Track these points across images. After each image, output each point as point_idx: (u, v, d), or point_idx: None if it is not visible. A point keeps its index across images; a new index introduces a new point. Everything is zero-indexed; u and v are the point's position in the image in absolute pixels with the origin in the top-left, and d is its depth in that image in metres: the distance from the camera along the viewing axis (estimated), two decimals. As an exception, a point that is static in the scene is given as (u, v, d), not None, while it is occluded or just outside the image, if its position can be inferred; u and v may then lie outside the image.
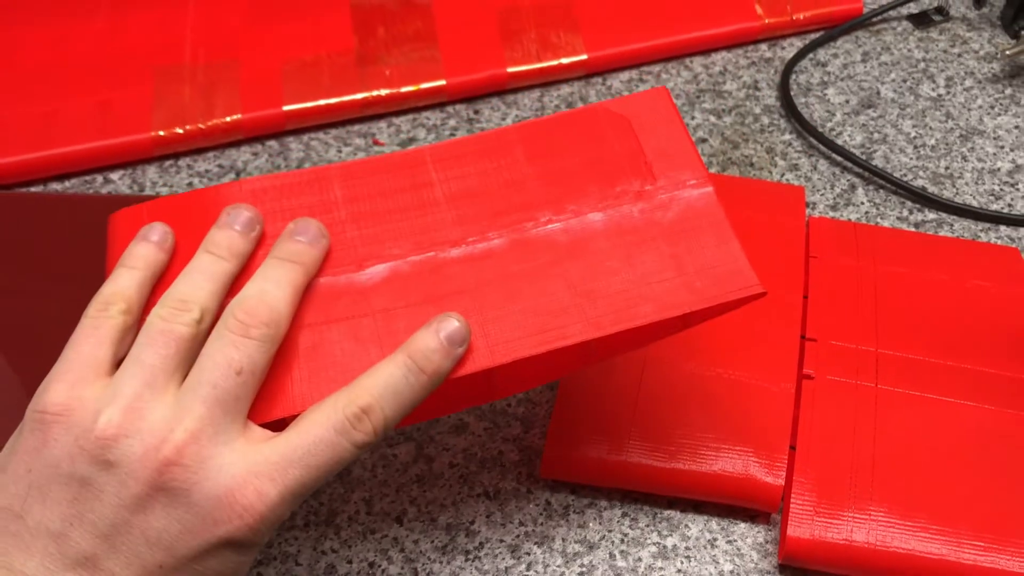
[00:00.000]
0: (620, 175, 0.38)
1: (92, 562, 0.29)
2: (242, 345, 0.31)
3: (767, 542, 0.43)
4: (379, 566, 0.41)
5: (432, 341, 0.33)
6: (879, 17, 0.68)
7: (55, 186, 0.57)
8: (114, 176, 0.58)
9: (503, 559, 0.42)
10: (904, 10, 0.69)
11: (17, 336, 0.48)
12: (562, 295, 0.35)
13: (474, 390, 0.40)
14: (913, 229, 0.55)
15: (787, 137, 0.60)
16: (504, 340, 0.34)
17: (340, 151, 0.59)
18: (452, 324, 0.33)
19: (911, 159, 0.59)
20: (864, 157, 0.59)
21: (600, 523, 0.43)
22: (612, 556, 0.42)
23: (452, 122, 0.61)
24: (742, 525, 0.43)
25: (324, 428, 0.31)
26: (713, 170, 0.58)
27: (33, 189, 0.57)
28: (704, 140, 0.60)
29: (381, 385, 0.32)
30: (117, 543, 0.29)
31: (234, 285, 0.34)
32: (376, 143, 0.60)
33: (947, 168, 0.59)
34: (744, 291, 0.37)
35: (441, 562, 0.42)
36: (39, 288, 0.50)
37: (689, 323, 0.38)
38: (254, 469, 0.30)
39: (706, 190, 0.38)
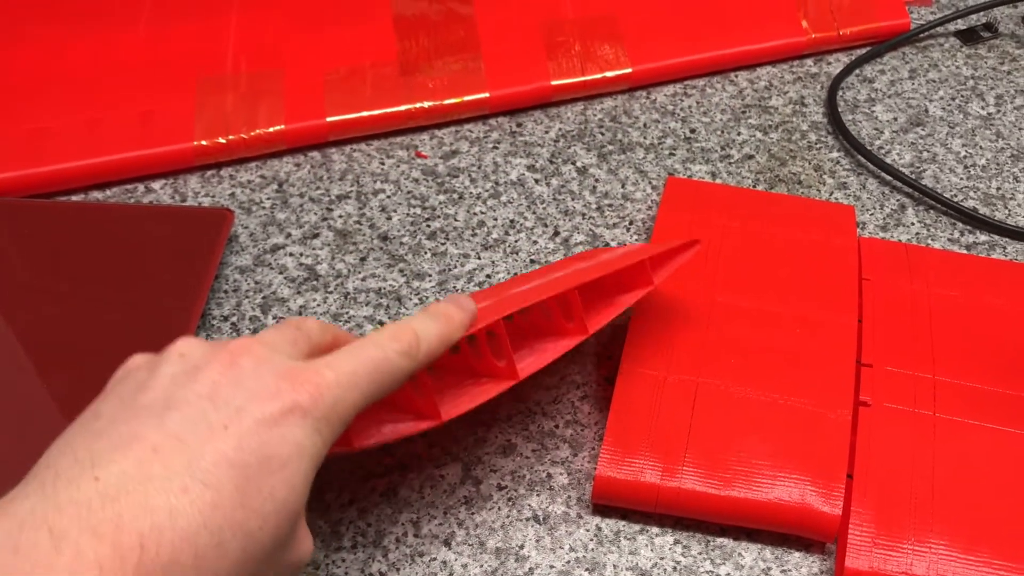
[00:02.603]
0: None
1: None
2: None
3: (822, 572, 0.42)
4: (428, 590, 0.41)
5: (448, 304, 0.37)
6: (926, 33, 0.67)
7: (96, 194, 0.57)
8: (155, 185, 0.57)
9: (554, 585, 0.41)
10: (952, 26, 0.68)
11: (58, 347, 0.48)
12: None
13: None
14: (964, 251, 0.54)
15: (835, 155, 0.59)
16: None
17: (383, 163, 0.59)
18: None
19: (961, 179, 0.58)
20: (914, 176, 0.58)
21: (652, 550, 0.42)
22: (665, 584, 0.41)
23: (495, 135, 0.60)
24: (796, 554, 0.42)
25: (366, 342, 0.33)
26: (760, 187, 0.57)
27: (74, 198, 0.56)
28: (751, 156, 0.59)
29: (410, 320, 0.35)
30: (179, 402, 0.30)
31: None
32: (419, 155, 0.59)
33: (999, 189, 0.58)
34: None
35: (491, 587, 0.41)
36: (77, 297, 0.49)
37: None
38: (312, 363, 0.32)
39: None
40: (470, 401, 0.39)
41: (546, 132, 0.60)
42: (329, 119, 0.58)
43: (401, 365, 0.33)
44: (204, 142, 0.57)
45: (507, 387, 0.40)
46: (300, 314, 0.51)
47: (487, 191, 0.57)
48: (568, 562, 0.42)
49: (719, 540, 0.43)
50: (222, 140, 0.57)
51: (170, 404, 0.29)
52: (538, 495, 0.44)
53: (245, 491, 0.28)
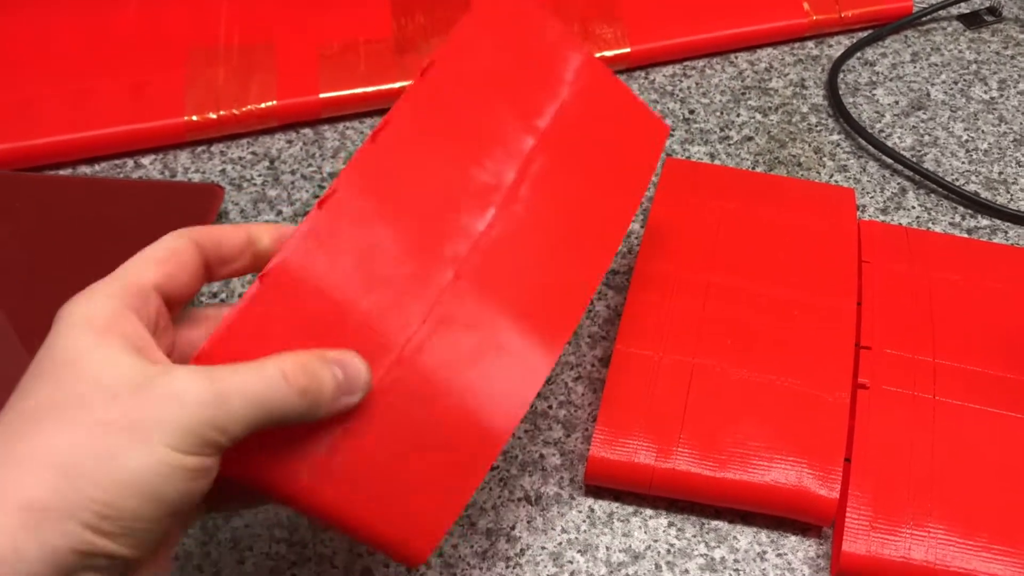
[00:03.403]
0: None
1: None
2: None
3: (819, 556, 0.41)
4: (417, 571, 0.40)
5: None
6: (928, 17, 0.66)
7: (84, 169, 0.56)
8: (145, 161, 0.56)
9: (545, 567, 0.40)
10: (955, 10, 0.67)
11: (45, 323, 0.47)
12: None
13: None
14: (966, 235, 0.54)
15: (835, 137, 0.59)
16: None
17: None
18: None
19: (963, 163, 0.57)
20: (915, 160, 0.57)
21: (645, 532, 0.42)
22: (658, 567, 0.40)
23: (491, 114, 0.59)
24: (792, 538, 0.42)
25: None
26: (760, 169, 0.57)
27: (62, 172, 0.55)
28: (750, 138, 0.58)
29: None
30: None
31: None
32: (413, 133, 0.58)
33: (1001, 173, 0.57)
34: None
35: (481, 568, 0.40)
36: (63, 272, 0.48)
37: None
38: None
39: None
40: None
41: (543, 111, 0.60)
42: (322, 95, 0.57)
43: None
44: (195, 117, 0.56)
45: None
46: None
47: (482, 170, 0.56)
48: (560, 543, 0.41)
49: (714, 523, 0.42)
50: (213, 115, 0.56)
51: None
52: (530, 476, 0.43)
53: None
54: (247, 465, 0.30)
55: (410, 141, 0.35)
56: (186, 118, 0.56)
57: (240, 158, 0.56)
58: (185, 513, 0.29)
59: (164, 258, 0.31)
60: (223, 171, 0.56)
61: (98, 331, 0.28)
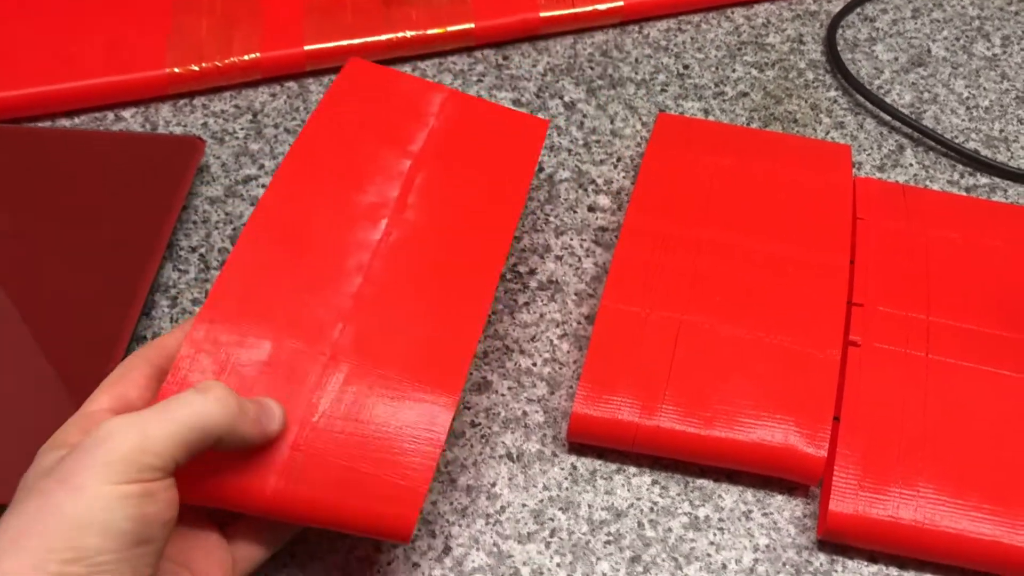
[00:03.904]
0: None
1: None
2: None
3: (805, 516, 0.40)
4: (395, 528, 0.39)
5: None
6: (932, -28, 0.64)
7: (64, 122, 0.55)
8: (126, 114, 0.55)
9: (525, 524, 0.39)
10: (959, -35, 0.65)
11: (21, 274, 0.46)
12: None
13: None
14: (964, 194, 0.52)
15: (832, 94, 0.57)
16: None
17: (362, 94, 0.56)
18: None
19: (963, 121, 0.56)
20: (914, 117, 0.56)
21: (629, 490, 0.41)
22: (641, 525, 0.40)
23: (480, 68, 0.58)
24: (779, 497, 0.41)
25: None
26: (755, 125, 0.55)
27: (42, 125, 0.54)
28: (745, 94, 0.57)
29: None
30: None
31: None
32: (400, 87, 0.57)
33: (1002, 131, 0.56)
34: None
35: (460, 525, 0.39)
36: (40, 223, 0.47)
37: None
38: None
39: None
40: None
41: (533, 66, 0.58)
42: (307, 48, 0.56)
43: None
44: (177, 69, 0.55)
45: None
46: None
47: (470, 125, 0.55)
48: (541, 500, 0.40)
49: (699, 481, 0.41)
50: (195, 68, 0.55)
51: None
52: (513, 433, 0.42)
53: None
54: (214, 488, 0.33)
55: (299, 185, 0.41)
56: (168, 70, 0.55)
57: (223, 111, 0.55)
58: (158, 542, 0.30)
59: (115, 382, 0.35)
60: (205, 124, 0.55)
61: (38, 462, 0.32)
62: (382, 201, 0.41)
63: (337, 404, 0.35)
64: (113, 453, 0.29)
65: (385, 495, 0.34)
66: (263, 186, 0.51)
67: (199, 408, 0.31)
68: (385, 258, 0.39)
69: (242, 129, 0.54)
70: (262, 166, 0.52)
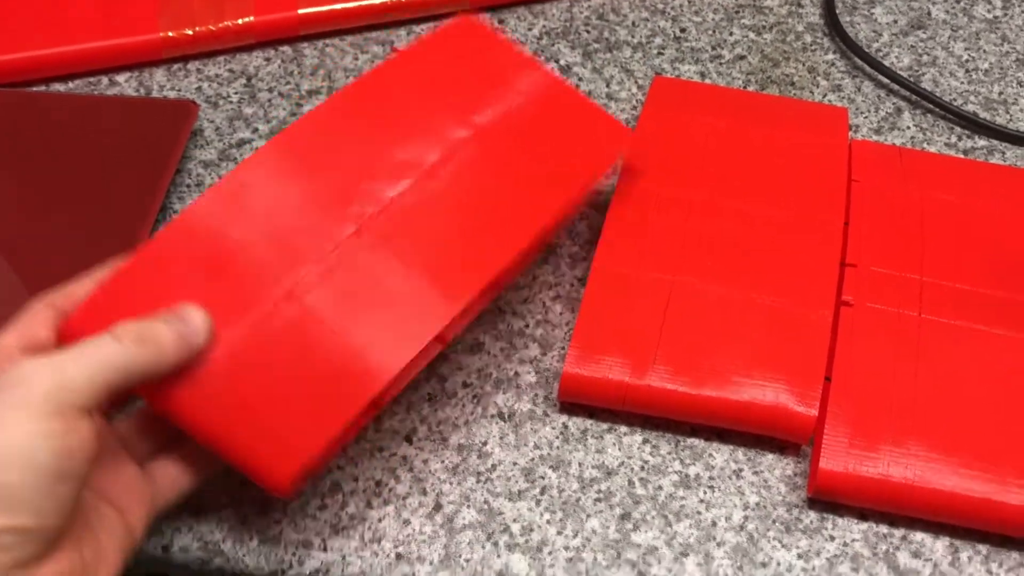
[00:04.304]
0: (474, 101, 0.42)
1: None
2: None
3: (796, 474, 0.40)
4: (386, 485, 0.39)
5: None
6: (933, -66, 0.64)
7: (58, 86, 0.54)
8: (120, 79, 0.55)
9: (516, 482, 0.40)
10: (960, -73, 0.64)
11: (14, 236, 0.46)
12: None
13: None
14: (962, 156, 0.52)
15: (830, 57, 0.57)
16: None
17: (357, 58, 0.56)
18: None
19: (962, 83, 0.56)
20: (912, 80, 0.55)
21: (619, 449, 0.41)
22: (631, 483, 0.40)
23: (475, 32, 0.57)
24: (770, 456, 0.41)
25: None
26: (751, 88, 0.55)
27: (35, 89, 0.54)
28: (742, 57, 0.56)
29: None
30: None
31: None
32: (395, 51, 0.57)
33: (1001, 94, 0.55)
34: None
35: (451, 483, 0.40)
36: (33, 187, 0.47)
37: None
38: None
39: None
40: None
41: (529, 29, 0.58)
42: (301, 11, 0.56)
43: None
44: (170, 33, 0.55)
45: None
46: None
47: (465, 88, 0.55)
48: (532, 459, 0.40)
49: (689, 440, 0.41)
50: (189, 32, 0.55)
51: None
52: (504, 393, 0.42)
53: None
54: (155, 395, 0.34)
55: (340, 119, 0.39)
56: (161, 34, 0.55)
57: (217, 75, 0.55)
58: (80, 477, 0.30)
59: (21, 321, 0.34)
60: (199, 89, 0.54)
61: None
62: (416, 162, 0.39)
63: (283, 325, 0.34)
64: (32, 392, 0.29)
65: (276, 436, 0.33)
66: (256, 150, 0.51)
67: (120, 352, 0.31)
68: (390, 217, 0.37)
69: (236, 93, 0.54)
70: (256, 130, 0.52)
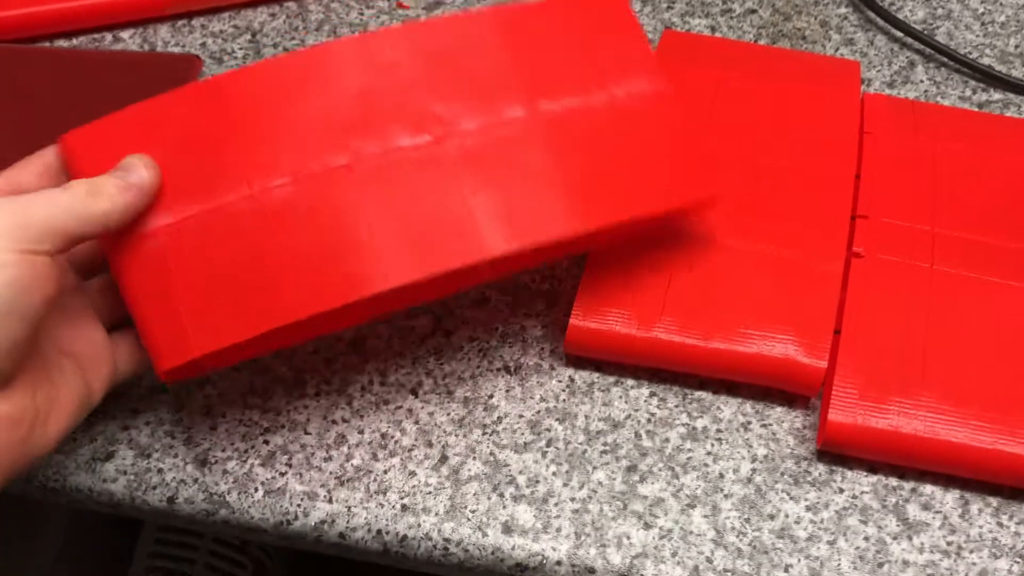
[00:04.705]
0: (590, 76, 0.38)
1: None
2: None
3: (805, 427, 0.40)
4: (392, 437, 0.39)
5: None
6: None
7: (62, 43, 0.54)
8: (124, 35, 0.54)
9: (522, 434, 0.39)
10: None
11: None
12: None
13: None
14: (976, 109, 0.51)
15: (843, 10, 0.56)
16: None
17: (362, 13, 0.55)
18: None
19: (977, 36, 0.54)
20: (926, 33, 0.54)
21: (626, 402, 0.40)
22: (638, 435, 0.39)
23: (482, -13, 0.57)
24: (778, 409, 0.40)
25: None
26: (763, 42, 0.54)
27: (39, 45, 0.54)
28: (753, 11, 0.56)
29: None
30: None
31: None
32: (400, 6, 0.56)
33: (1017, 47, 0.54)
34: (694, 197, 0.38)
35: (457, 435, 0.39)
36: (32, 143, 0.47)
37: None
38: None
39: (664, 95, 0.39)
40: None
41: (536, -16, 0.57)
42: (306, -34, 0.55)
43: None
44: (174, -11, 0.54)
45: None
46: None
47: (471, 43, 0.54)
48: (538, 412, 0.40)
49: (697, 393, 0.41)
50: (193, -13, 0.54)
51: None
52: (510, 347, 0.42)
53: None
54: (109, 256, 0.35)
55: (404, 49, 0.35)
56: (165, -10, 0.54)
57: (221, 31, 0.55)
58: (33, 317, 0.31)
59: (13, 168, 0.35)
60: (204, 45, 0.54)
61: None
62: (446, 120, 0.35)
63: (238, 220, 0.34)
64: None
65: (179, 321, 0.34)
66: (261, 105, 0.51)
67: (67, 200, 0.32)
68: (383, 164, 0.34)
69: (241, 49, 0.54)
70: (260, 85, 0.52)
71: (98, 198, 0.33)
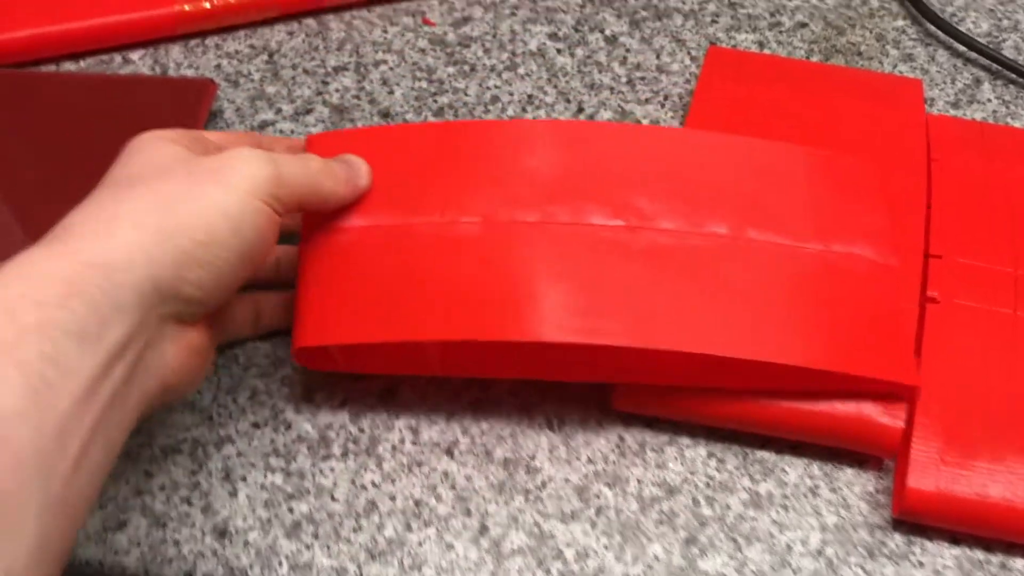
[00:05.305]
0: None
1: None
2: None
3: (878, 491, 0.37)
4: (426, 504, 0.36)
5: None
6: None
7: (69, 65, 0.51)
8: (134, 56, 0.51)
9: (569, 502, 0.36)
10: None
11: (30, 222, 0.43)
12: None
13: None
14: (1049, 131, 0.48)
15: (901, 23, 0.52)
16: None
17: (386, 31, 0.52)
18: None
19: (1047, 50, 0.51)
20: (992, 47, 0.51)
21: (682, 464, 0.37)
22: (696, 502, 0.36)
23: (513, 0, 0.53)
24: (848, 471, 0.37)
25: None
26: (815, 58, 0.51)
27: (45, 68, 0.51)
28: (804, 24, 0.52)
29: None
30: None
31: None
32: (426, 23, 0.53)
33: (1090, 61, 0.50)
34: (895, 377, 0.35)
35: (497, 502, 0.36)
36: (43, 171, 0.44)
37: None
38: None
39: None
40: None
41: (571, -3, 0.54)
42: (326, -19, 0.52)
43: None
44: (187, 7, 0.51)
45: None
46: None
47: (502, 63, 0.51)
48: (586, 475, 0.37)
49: (759, 453, 0.37)
50: (207, 5, 0.51)
51: None
52: (553, 401, 0.39)
53: None
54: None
55: (645, 143, 0.38)
56: (178, 8, 0.51)
57: (236, 52, 0.51)
58: (255, 268, 0.33)
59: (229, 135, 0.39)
60: (218, 66, 0.51)
61: (170, 140, 0.34)
62: (642, 213, 0.37)
63: (426, 240, 0.36)
64: (257, 175, 0.32)
65: (330, 310, 0.36)
66: (281, 131, 0.48)
67: (312, 169, 0.35)
68: (562, 233, 0.36)
69: (257, 71, 0.50)
70: (279, 110, 0.49)
71: (329, 178, 0.35)
